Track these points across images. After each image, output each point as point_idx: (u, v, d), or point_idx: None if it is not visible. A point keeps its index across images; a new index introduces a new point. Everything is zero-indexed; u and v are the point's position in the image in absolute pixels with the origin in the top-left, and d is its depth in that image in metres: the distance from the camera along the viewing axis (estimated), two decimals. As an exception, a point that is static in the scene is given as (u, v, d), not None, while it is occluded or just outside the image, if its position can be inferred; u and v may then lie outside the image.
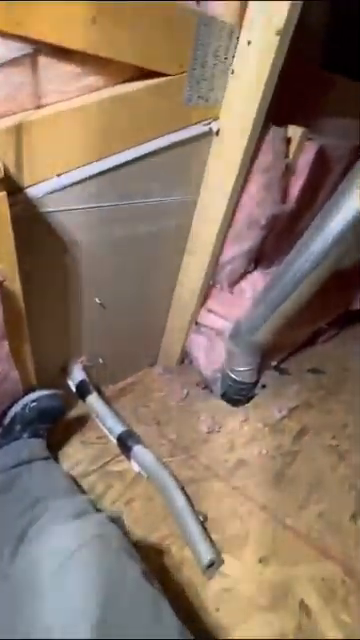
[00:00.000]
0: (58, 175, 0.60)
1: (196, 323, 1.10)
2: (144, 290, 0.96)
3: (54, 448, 0.83)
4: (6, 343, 0.63)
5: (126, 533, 0.47)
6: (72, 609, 0.35)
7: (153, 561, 0.60)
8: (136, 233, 0.80)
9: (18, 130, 0.50)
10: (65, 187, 0.62)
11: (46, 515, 0.51)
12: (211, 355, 1.10)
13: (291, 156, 0.83)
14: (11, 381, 0.70)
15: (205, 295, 1.03)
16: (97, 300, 0.86)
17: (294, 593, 0.55)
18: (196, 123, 0.73)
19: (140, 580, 0.39)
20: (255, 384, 1.09)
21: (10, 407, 0.75)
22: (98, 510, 0.57)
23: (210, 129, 0.72)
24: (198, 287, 0.97)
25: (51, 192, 0.60)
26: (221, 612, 0.53)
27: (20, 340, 0.69)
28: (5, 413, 0.75)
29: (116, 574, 0.39)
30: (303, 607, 0.54)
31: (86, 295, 0.83)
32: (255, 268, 1.07)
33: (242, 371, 1.04)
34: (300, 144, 0.83)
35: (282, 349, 1.18)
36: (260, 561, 0.60)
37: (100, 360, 1.00)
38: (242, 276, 1.05)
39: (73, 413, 0.97)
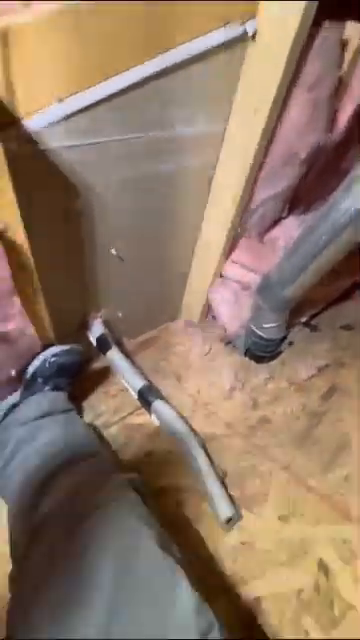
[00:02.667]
0: (60, 100, 0.51)
1: (221, 276, 1.02)
2: (164, 239, 0.88)
3: (77, 400, 0.84)
4: (17, 299, 0.60)
5: (143, 495, 0.47)
6: (88, 574, 0.35)
7: (172, 512, 0.61)
8: (154, 173, 0.71)
9: (4, 38, 0.40)
10: (69, 116, 0.53)
11: (66, 471, 0.52)
12: (236, 310, 1.03)
13: (345, 67, 0.67)
14: (28, 337, 0.68)
15: (231, 245, 0.94)
16: (113, 252, 0.80)
17: (313, 552, 0.55)
18: (226, 25, 0.58)
19: (156, 549, 0.38)
20: (282, 341, 1.03)
21: (30, 362, 0.75)
22: (119, 465, 0.56)
23: (244, 31, 0.57)
24: (224, 235, 0.88)
25: (53, 123, 0.51)
26: (238, 564, 0.54)
27: (33, 295, 0.66)
28: (26, 368, 0.75)
29: (131, 541, 0.38)
30: (322, 566, 0.53)
31: (101, 246, 0.77)
32: (289, 214, 0.95)
33: (268, 328, 0.97)
34: (360, 48, 0.66)
35: (314, 304, 1.09)
36: (280, 519, 0.60)
37: (119, 314, 0.97)
38: (274, 223, 0.94)
39: (96, 366, 0.97)
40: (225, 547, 0.57)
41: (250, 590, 0.52)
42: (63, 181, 0.59)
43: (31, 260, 0.59)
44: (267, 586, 0.52)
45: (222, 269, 1.00)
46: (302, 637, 0.46)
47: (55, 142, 0.53)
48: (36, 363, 0.74)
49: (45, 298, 0.72)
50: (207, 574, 0.47)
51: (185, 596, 0.35)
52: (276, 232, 0.96)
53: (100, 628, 0.31)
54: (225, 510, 0.60)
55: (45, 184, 0.57)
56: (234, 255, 0.96)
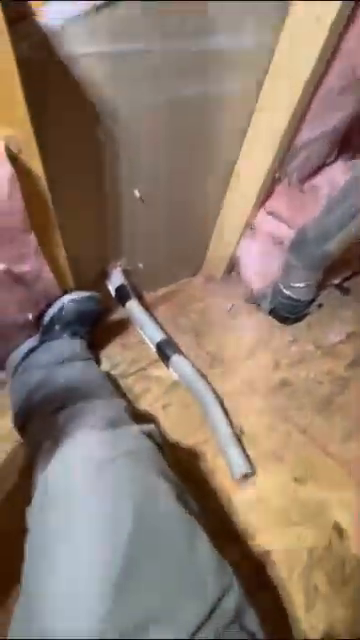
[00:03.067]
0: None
1: (251, 228, 0.94)
2: (192, 182, 0.80)
3: (95, 349, 0.83)
4: (33, 237, 0.56)
5: (161, 447, 0.46)
6: (103, 520, 0.34)
7: (186, 464, 0.61)
8: (188, 97, 0.61)
9: None
10: (90, 14, 0.44)
11: (82, 416, 0.51)
12: (264, 266, 0.96)
13: None
14: (45, 280, 0.65)
15: (267, 192, 0.85)
16: (136, 193, 0.73)
17: (328, 515, 0.55)
18: None
19: (175, 505, 0.37)
20: (310, 303, 0.97)
21: (48, 308, 0.73)
22: (135, 416, 0.56)
23: None
24: (260, 179, 0.79)
25: (71, 21, 0.43)
26: (250, 518, 0.55)
27: (50, 235, 0.61)
28: (44, 313, 0.73)
29: (149, 494, 0.37)
30: (336, 528, 0.53)
31: (124, 185, 0.70)
32: (337, 158, 0.84)
33: (298, 287, 0.91)
34: None
35: (349, 265, 1.01)
36: (295, 480, 0.59)
37: (140, 265, 0.92)
38: (318, 168, 0.83)
39: (114, 317, 0.95)
40: (238, 501, 0.57)
41: (261, 543, 0.52)
42: (82, 99, 0.51)
43: (47, 193, 0.54)
44: (278, 541, 0.52)
45: (254, 220, 0.91)
46: (312, 591, 0.47)
47: (73, 46, 0.45)
48: (54, 309, 0.72)
49: (63, 240, 0.67)
50: (219, 524, 0.47)
51: (205, 554, 0.34)
52: (319, 180, 0.85)
53: (116, 579, 0.30)
54: (240, 466, 0.59)
55: (62, 100, 0.49)
56: (269, 204, 0.87)
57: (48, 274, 0.64)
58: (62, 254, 0.68)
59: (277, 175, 0.80)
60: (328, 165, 0.84)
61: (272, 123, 0.70)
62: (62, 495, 0.37)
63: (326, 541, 0.52)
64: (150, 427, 0.47)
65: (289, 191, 0.84)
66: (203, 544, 0.35)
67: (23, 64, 0.39)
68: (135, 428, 0.46)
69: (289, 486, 0.59)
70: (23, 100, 0.41)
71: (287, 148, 0.74)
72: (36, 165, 0.48)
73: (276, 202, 0.87)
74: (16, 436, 0.63)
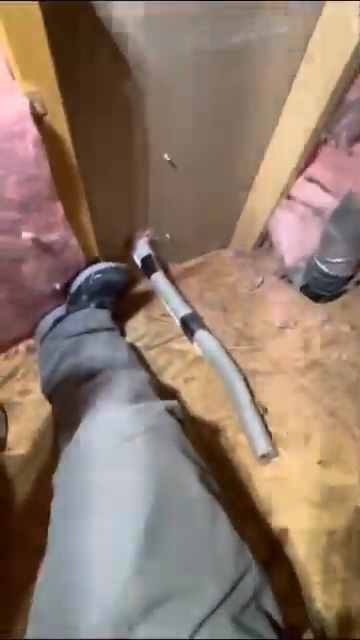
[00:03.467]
0: None
1: (289, 197, 0.87)
2: (227, 146, 0.74)
3: (119, 320, 0.83)
4: (59, 205, 0.54)
5: (183, 423, 0.45)
6: (127, 490, 0.34)
7: (208, 439, 0.61)
8: (226, 48, 0.55)
9: None
10: None
11: (107, 388, 0.51)
12: (300, 239, 0.90)
13: None
14: (72, 250, 0.64)
15: (309, 155, 0.77)
16: (166, 157, 0.68)
17: (351, 499, 0.53)
18: None
19: (197, 485, 0.37)
20: (348, 280, 0.90)
21: (75, 277, 0.73)
22: (158, 389, 0.55)
23: None
24: (303, 139, 0.71)
25: None
26: (270, 497, 0.54)
27: (76, 204, 0.59)
28: (71, 283, 0.73)
29: (172, 471, 0.37)
30: (358, 512, 0.51)
31: (153, 150, 0.66)
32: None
33: (336, 263, 0.84)
34: None
35: None
36: (320, 463, 0.58)
37: (167, 236, 0.89)
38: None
39: (139, 288, 0.93)
40: (259, 479, 0.56)
41: (279, 522, 0.52)
42: (111, 49, 0.47)
43: (74, 158, 0.51)
44: (297, 521, 0.51)
45: (291, 187, 0.84)
46: (330, 572, 0.46)
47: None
48: (81, 279, 0.72)
49: (89, 209, 0.65)
50: (237, 500, 0.47)
51: (225, 535, 0.34)
52: (367, 144, 0.76)
53: (136, 551, 0.31)
54: (262, 445, 0.58)
55: (89, 52, 0.45)
56: (311, 169, 0.80)
57: (75, 243, 0.63)
58: (88, 222, 0.66)
59: (323, 136, 0.72)
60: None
61: (323, 73, 0.62)
62: (86, 464, 0.37)
63: (347, 525, 0.50)
64: (173, 403, 0.46)
65: (335, 155, 0.76)
66: (224, 525, 0.35)
67: (48, 12, 0.35)
68: (159, 404, 0.46)
69: (313, 468, 0.57)
70: (49, 51, 0.38)
71: (338, 103, 0.66)
72: (62, 127, 0.45)
73: (319, 167, 0.79)
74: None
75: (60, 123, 0.45)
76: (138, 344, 0.81)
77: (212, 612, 0.29)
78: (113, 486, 0.35)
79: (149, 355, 0.79)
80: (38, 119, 0.42)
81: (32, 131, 0.42)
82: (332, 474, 0.56)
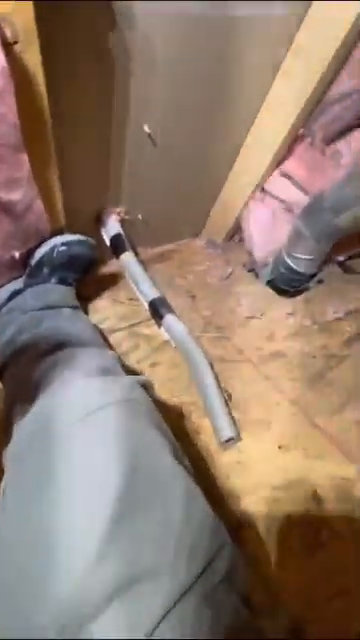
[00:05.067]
0: None
1: (262, 190, 0.88)
2: (208, 128, 0.73)
3: (83, 301, 0.78)
4: (26, 159, 0.49)
5: (154, 401, 0.43)
6: (90, 470, 0.31)
7: (172, 423, 0.59)
8: (218, 15, 0.53)
9: None
10: None
11: (72, 361, 0.47)
12: (270, 233, 0.92)
13: None
14: (35, 213, 0.58)
15: (286, 150, 0.78)
16: (146, 128, 0.65)
17: (309, 483, 0.54)
18: None
19: (170, 458, 0.35)
20: (311, 277, 0.94)
21: (37, 247, 0.67)
22: (126, 369, 0.52)
23: None
24: (282, 134, 0.72)
25: None
26: (231, 481, 0.54)
27: (44, 161, 0.54)
28: (32, 253, 0.67)
29: (144, 447, 0.34)
30: (315, 497, 0.53)
31: (134, 117, 0.63)
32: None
33: (303, 259, 0.87)
34: None
35: (356, 244, 0.97)
36: (280, 448, 0.59)
37: (139, 216, 0.86)
38: (344, 132, 0.77)
39: (106, 270, 0.89)
40: (222, 464, 0.56)
41: (240, 505, 0.52)
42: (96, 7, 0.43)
43: (46, 105, 0.46)
44: (257, 504, 0.52)
45: (266, 181, 0.85)
46: (286, 552, 0.47)
47: None
48: (44, 249, 0.66)
49: (60, 173, 0.60)
50: (199, 483, 0.46)
51: (201, 512, 0.32)
52: (342, 146, 0.79)
53: (101, 535, 0.28)
54: (226, 430, 0.58)
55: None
56: (286, 165, 0.81)
57: (40, 207, 0.57)
58: (56, 186, 0.61)
59: (301, 131, 0.73)
60: (354, 130, 0.77)
61: (308, 67, 0.63)
62: (44, 439, 0.33)
63: (304, 507, 0.52)
64: (145, 378, 0.44)
65: (309, 153, 0.78)
66: (199, 502, 0.33)
67: None
68: (130, 378, 0.43)
69: (273, 453, 0.58)
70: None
71: (318, 100, 0.67)
72: (35, 62, 0.40)
73: (294, 164, 0.81)
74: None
75: (33, 58, 0.40)
76: (102, 326, 0.77)
77: (185, 592, 0.27)
78: (78, 460, 0.32)
79: (113, 338, 0.75)
80: (6, 46, 0.37)
81: (-1, 61, 0.37)
82: (291, 458, 0.57)
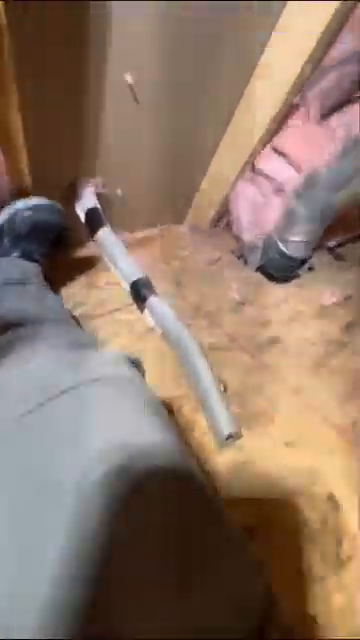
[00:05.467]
0: None
1: (252, 168, 0.82)
2: (194, 91, 0.65)
3: (54, 287, 0.67)
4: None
5: (144, 376, 0.33)
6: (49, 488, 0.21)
7: (160, 420, 0.50)
8: None
9: None
10: None
11: (38, 335, 0.36)
12: (259, 215, 0.85)
13: None
14: (-7, 165, 0.48)
15: (279, 123, 0.72)
16: (128, 78, 0.56)
17: (323, 485, 0.47)
18: None
19: (174, 443, 0.25)
20: (302, 263, 0.89)
21: (-5, 212, 0.56)
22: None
23: None
24: (276, 100, 0.66)
25: None
26: (232, 485, 0.45)
27: (5, 106, 0.44)
28: (-11, 219, 0.56)
29: (132, 436, 0.25)
30: (331, 500, 0.45)
31: (112, 66, 0.54)
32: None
33: (295, 242, 0.81)
34: None
35: (348, 228, 0.93)
36: (287, 444, 0.51)
37: (118, 191, 0.77)
38: (341, 104, 0.72)
39: (81, 253, 0.79)
40: (220, 464, 0.47)
41: (243, 515, 0.43)
42: None
43: (7, 39, 0.36)
44: (265, 512, 0.43)
45: (256, 157, 0.79)
46: (305, 572, 0.38)
47: None
48: (4, 215, 0.55)
49: (24, 124, 0.50)
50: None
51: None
52: (336, 121, 0.74)
53: None
54: (226, 426, 0.49)
55: None
56: (278, 139, 0.75)
57: (0, 161, 0.47)
58: (20, 139, 0.51)
59: (297, 99, 0.67)
60: (352, 103, 0.73)
61: (305, 26, 0.57)
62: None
63: (321, 515, 0.44)
64: (133, 356, 0.34)
65: (304, 127, 0.73)
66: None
67: None
68: (115, 352, 0.33)
69: (279, 451, 0.50)
70: None
71: (316, 64, 0.62)
72: None
73: (287, 139, 0.75)
74: None
75: None
76: (76, 313, 0.67)
77: None
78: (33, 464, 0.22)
79: (89, 325, 0.65)
80: None
81: None
82: (300, 456, 0.50)
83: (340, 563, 0.40)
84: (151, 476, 0.22)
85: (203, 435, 0.50)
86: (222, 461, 0.48)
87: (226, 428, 0.49)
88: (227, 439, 0.49)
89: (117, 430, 0.23)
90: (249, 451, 0.49)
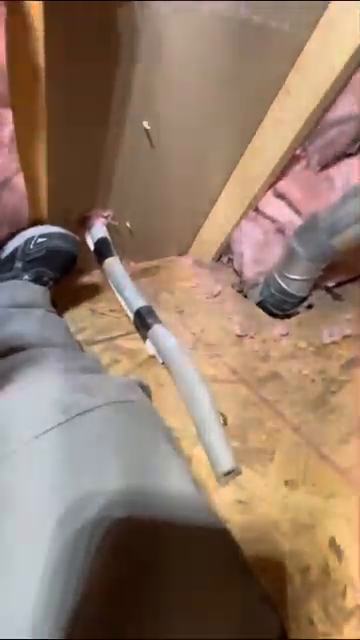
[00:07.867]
0: None
1: (256, 209, 0.86)
2: (206, 140, 0.71)
3: (58, 310, 0.68)
4: (9, 116, 0.42)
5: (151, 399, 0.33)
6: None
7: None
8: (234, 15, 0.52)
9: None
10: None
11: (47, 358, 0.36)
12: (261, 253, 0.89)
13: None
14: (14, 192, 0.50)
15: (282, 170, 0.78)
16: (145, 125, 0.61)
17: (324, 528, 0.45)
18: None
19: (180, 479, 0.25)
20: (301, 301, 0.91)
21: (11, 236, 0.58)
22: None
23: None
24: (278, 154, 0.71)
25: None
26: (231, 524, 0.43)
27: (31, 135, 0.48)
28: (4, 242, 0.58)
29: (145, 459, 0.24)
30: (333, 546, 0.43)
31: (134, 112, 0.58)
32: (358, 151, 0.79)
33: (295, 280, 0.84)
34: None
35: (346, 270, 0.96)
36: (287, 484, 0.49)
37: (127, 224, 0.80)
38: (339, 158, 0.78)
39: (87, 280, 0.81)
40: (218, 502, 0.45)
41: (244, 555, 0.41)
42: None
43: (41, 63, 0.40)
44: (263, 557, 0.41)
45: (260, 200, 0.84)
46: (304, 626, 0.36)
47: None
48: (19, 240, 0.57)
49: (48, 157, 0.53)
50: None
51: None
52: (335, 171, 0.80)
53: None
54: (225, 461, 0.48)
55: None
56: (281, 185, 0.80)
57: (21, 185, 0.50)
58: (42, 171, 0.54)
59: (298, 151, 0.73)
60: (348, 157, 0.79)
61: (310, 86, 0.63)
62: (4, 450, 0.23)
63: (322, 561, 0.42)
64: (138, 379, 0.34)
65: (305, 174, 0.78)
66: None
67: None
68: (127, 378, 0.33)
69: (279, 490, 0.48)
70: None
71: (318, 120, 0.68)
72: (36, 14, 0.35)
73: (289, 184, 0.80)
74: None
75: (34, 8, 0.35)
76: (79, 338, 0.67)
77: None
78: (34, 486, 0.21)
79: (91, 351, 0.65)
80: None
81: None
82: (301, 497, 0.48)
83: (345, 616, 0.37)
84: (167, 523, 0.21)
85: (203, 471, 0.49)
86: (220, 499, 0.46)
87: (226, 464, 0.47)
88: (226, 474, 0.48)
89: (138, 460, 0.23)
90: (249, 489, 0.48)
